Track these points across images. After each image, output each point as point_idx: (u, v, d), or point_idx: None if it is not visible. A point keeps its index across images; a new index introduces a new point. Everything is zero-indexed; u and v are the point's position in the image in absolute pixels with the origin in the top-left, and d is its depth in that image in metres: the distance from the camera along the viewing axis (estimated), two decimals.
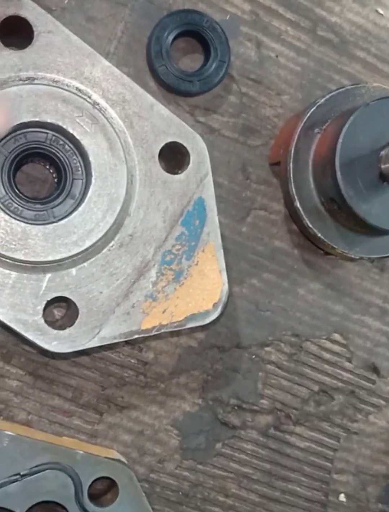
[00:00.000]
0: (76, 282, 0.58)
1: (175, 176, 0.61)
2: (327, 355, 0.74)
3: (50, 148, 0.59)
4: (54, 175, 0.63)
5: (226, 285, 0.63)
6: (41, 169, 0.65)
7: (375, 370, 0.76)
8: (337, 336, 0.75)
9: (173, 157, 0.62)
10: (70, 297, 0.58)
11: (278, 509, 0.74)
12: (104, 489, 0.67)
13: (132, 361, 0.69)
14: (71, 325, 0.59)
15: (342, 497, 0.76)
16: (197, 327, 0.67)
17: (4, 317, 0.57)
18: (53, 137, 0.58)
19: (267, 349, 0.73)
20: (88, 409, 0.68)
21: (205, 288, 0.62)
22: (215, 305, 0.62)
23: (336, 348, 0.75)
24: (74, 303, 0.58)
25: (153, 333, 0.61)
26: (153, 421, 0.70)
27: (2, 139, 0.57)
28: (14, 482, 0.62)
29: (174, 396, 0.70)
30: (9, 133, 0.57)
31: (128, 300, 0.60)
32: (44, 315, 0.58)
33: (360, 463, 0.76)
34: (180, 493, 0.71)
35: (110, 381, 0.69)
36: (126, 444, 0.69)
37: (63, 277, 0.58)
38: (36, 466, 0.62)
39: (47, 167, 0.63)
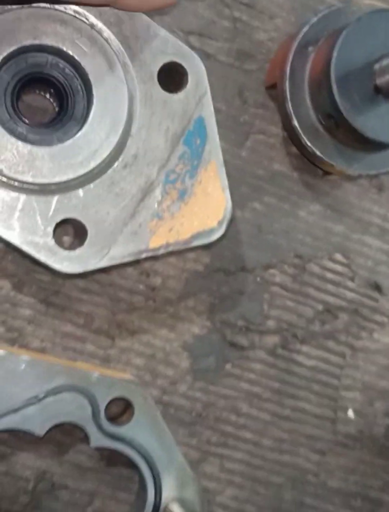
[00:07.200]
0: (83, 203, 0.60)
1: (175, 95, 0.61)
2: (329, 275, 0.76)
3: (51, 72, 0.59)
4: (54, 104, 0.64)
5: (229, 203, 0.64)
6: (41, 99, 0.65)
7: (377, 288, 0.77)
8: (338, 256, 0.76)
9: (171, 78, 0.63)
10: (79, 218, 0.60)
11: (289, 426, 0.76)
12: (120, 412, 0.69)
13: (141, 286, 0.70)
14: (81, 246, 0.60)
15: (350, 413, 0.78)
16: (202, 251, 0.68)
17: (16, 240, 0.58)
18: (54, 61, 0.59)
19: (271, 271, 0.74)
20: (100, 335, 0.70)
21: (208, 206, 0.63)
22: (220, 223, 0.64)
23: (338, 268, 0.76)
24: (83, 224, 0.60)
25: (161, 251, 0.62)
26: (164, 344, 0.72)
27: (4, 64, 0.58)
28: (32, 404, 0.64)
29: (183, 320, 0.72)
30: (10, 58, 0.58)
31: (135, 220, 0.61)
32: (54, 238, 0.59)
33: (367, 380, 0.78)
34: (193, 413, 0.73)
35: (120, 307, 0.70)
36: (139, 368, 0.71)
37: (71, 198, 0.59)
38: (53, 389, 0.64)
39: (48, 95, 0.64)
